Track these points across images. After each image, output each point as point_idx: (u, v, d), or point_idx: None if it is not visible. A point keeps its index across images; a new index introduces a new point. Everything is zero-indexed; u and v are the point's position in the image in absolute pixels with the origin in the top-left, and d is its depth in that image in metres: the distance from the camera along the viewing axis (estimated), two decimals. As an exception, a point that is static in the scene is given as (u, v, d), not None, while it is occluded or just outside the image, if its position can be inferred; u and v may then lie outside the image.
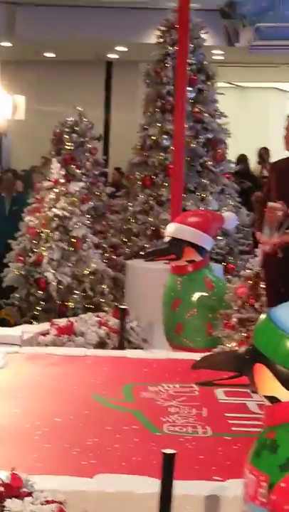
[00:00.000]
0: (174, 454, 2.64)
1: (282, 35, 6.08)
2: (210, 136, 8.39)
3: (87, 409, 3.94)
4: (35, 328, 5.78)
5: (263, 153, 12.34)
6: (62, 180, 6.91)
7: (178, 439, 3.56)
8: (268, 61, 13.40)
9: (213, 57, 11.62)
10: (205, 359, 2.61)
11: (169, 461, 2.64)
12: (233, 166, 8.90)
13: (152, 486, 2.83)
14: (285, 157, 5.51)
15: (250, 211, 9.21)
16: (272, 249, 4.74)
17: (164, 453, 2.65)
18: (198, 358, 2.64)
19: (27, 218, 6.86)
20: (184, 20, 6.94)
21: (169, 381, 4.44)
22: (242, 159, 11.33)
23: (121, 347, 5.23)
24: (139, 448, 3.43)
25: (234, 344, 4.82)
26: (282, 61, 13.60)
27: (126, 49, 12.61)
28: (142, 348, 5.41)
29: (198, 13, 8.60)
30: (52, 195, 6.84)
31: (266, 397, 2.42)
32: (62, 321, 5.51)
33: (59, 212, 6.70)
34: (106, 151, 13.28)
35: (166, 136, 8.22)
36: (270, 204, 4.72)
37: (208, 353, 2.97)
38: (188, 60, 7.42)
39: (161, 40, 8.50)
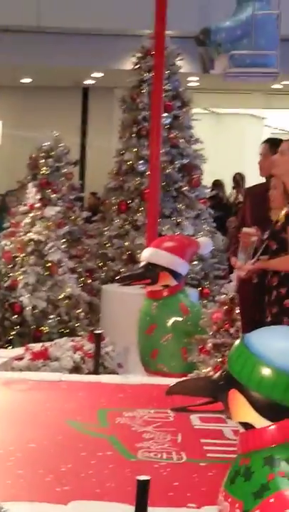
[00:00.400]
0: (148, 481, 2.63)
1: (256, 62, 6.14)
2: (185, 161, 8.45)
3: (61, 435, 3.91)
4: (10, 352, 5.75)
5: (238, 179, 12.43)
6: (37, 205, 6.92)
7: (152, 465, 3.54)
8: (243, 88, 13.54)
9: (189, 84, 11.74)
10: (179, 385, 2.61)
11: (143, 487, 2.63)
12: (208, 191, 8.95)
13: (126, 512, 2.82)
14: (260, 183, 5.57)
15: (225, 236, 9.26)
16: (247, 274, 4.76)
17: (138, 479, 2.64)
18: (173, 383, 2.64)
19: (2, 242, 6.85)
20: (159, 47, 7.00)
21: (144, 406, 4.43)
22: (217, 185, 11.41)
23: (96, 372, 5.21)
24: (113, 474, 3.41)
25: (209, 369, 4.82)
26: (257, 88, 13.75)
27: (102, 75, 12.68)
28: (117, 373, 5.39)
29: (174, 40, 8.69)
30: (27, 220, 6.84)
31: (240, 423, 2.42)
32: (37, 346, 5.49)
33: (34, 237, 6.70)
34: (82, 176, 13.29)
35: (141, 162, 8.27)
36: (245, 229, 4.76)
37: (182, 379, 2.97)
38: (164, 87, 7.48)
39: (137, 66, 8.57)
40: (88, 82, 13.54)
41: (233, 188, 12.29)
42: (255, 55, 6.07)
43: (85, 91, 14.26)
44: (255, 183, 5.69)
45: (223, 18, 6.40)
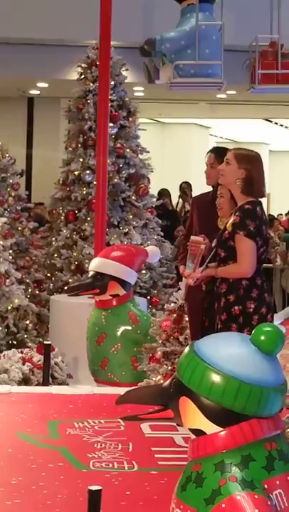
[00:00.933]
0: (99, 491, 2.63)
1: (200, 73, 6.19)
2: (132, 171, 8.46)
3: (11, 448, 3.88)
4: None
5: (185, 188, 12.51)
6: (-16, 216, 6.87)
7: (104, 475, 3.53)
8: (188, 98, 13.64)
9: (135, 94, 11.78)
10: (129, 394, 2.61)
11: (94, 497, 2.62)
12: (155, 200, 8.99)
13: (79, 523, 2.80)
14: (207, 192, 5.61)
15: (173, 245, 9.31)
16: (196, 282, 4.79)
17: (90, 490, 2.63)
18: (123, 393, 2.64)
19: None
20: (104, 57, 7.02)
21: (95, 417, 4.42)
22: (163, 194, 11.46)
23: (45, 383, 5.18)
24: (64, 485, 3.39)
25: (159, 377, 4.83)
26: (202, 98, 13.88)
27: (47, 85, 12.65)
28: (66, 384, 5.37)
29: (119, 50, 8.72)
30: (-26, 231, 6.78)
31: (191, 430, 2.43)
32: (-15, 358, 5.43)
33: (-19, 248, 6.65)
34: (28, 187, 13.23)
35: (88, 172, 8.26)
36: (193, 238, 4.79)
37: (132, 388, 2.97)
38: (110, 97, 7.49)
39: (83, 76, 8.57)
40: (33, 92, 13.49)
41: (180, 196, 12.37)
42: (200, 65, 6.12)
43: (31, 101, 14.21)
44: (201, 192, 5.73)
45: (167, 28, 6.44)
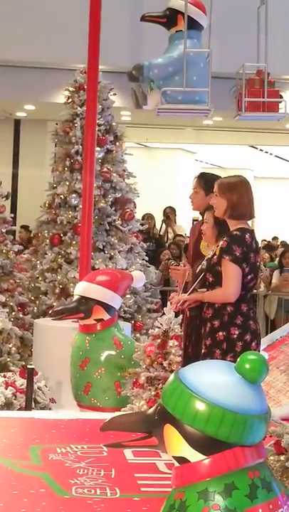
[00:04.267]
0: (82, 518, 2.61)
1: (187, 99, 6.24)
2: (118, 195, 8.49)
3: (-7, 473, 3.84)
4: None
5: (169, 213, 12.57)
6: None
7: (86, 501, 3.50)
8: (175, 123, 13.74)
9: (122, 118, 11.85)
10: (113, 421, 2.60)
11: (77, 525, 2.60)
12: (140, 225, 9.02)
13: None
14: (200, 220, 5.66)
15: (158, 269, 9.32)
16: (182, 305, 4.82)
17: (73, 517, 2.61)
18: (107, 418, 2.63)
19: None
20: (92, 81, 7.06)
21: (78, 442, 4.39)
22: (147, 218, 11.51)
23: (28, 408, 5.15)
24: (46, 512, 3.36)
25: (143, 403, 4.81)
26: (188, 124, 13.98)
27: (34, 108, 12.70)
28: (49, 409, 5.33)
29: (107, 74, 8.78)
30: None
31: (175, 457, 2.42)
32: None
33: None
34: (14, 209, 13.23)
35: (74, 195, 8.28)
36: (174, 267, 4.89)
37: (116, 414, 2.96)
38: (97, 121, 7.53)
39: (70, 100, 8.62)
40: (20, 114, 13.54)
41: (163, 221, 12.41)
42: (187, 92, 6.17)
43: (17, 123, 14.25)
44: (186, 217, 5.79)
45: (155, 54, 6.50)
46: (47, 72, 11.12)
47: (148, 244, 9.61)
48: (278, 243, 15.48)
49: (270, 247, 14.14)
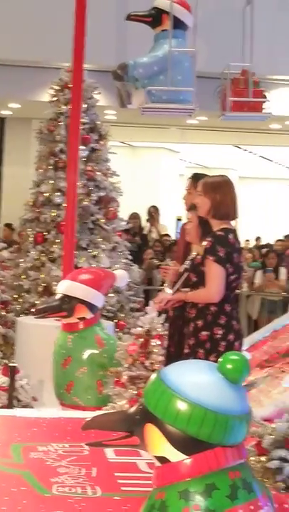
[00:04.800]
0: (63, 517, 2.61)
1: (172, 98, 6.24)
2: (102, 194, 8.48)
3: (-27, 472, 3.83)
4: None
5: (152, 212, 12.58)
6: None
7: (67, 500, 3.50)
8: (159, 122, 13.74)
9: (106, 117, 11.83)
10: (95, 420, 2.60)
11: (58, 524, 2.60)
12: (124, 224, 9.01)
13: None
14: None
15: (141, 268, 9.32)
16: (166, 305, 4.83)
17: (53, 516, 2.61)
18: (89, 417, 2.62)
19: None
20: (77, 80, 7.04)
21: (59, 440, 4.38)
22: (134, 217, 11.52)
23: (10, 406, 5.14)
24: (27, 510, 3.35)
25: (124, 402, 4.82)
26: (173, 123, 13.98)
27: (19, 106, 12.66)
28: (31, 407, 5.32)
29: (91, 73, 8.77)
30: None
31: (156, 457, 2.43)
32: None
33: None
34: (-3, 207, 13.20)
35: (58, 194, 8.26)
36: (165, 266, 4.91)
37: (98, 413, 2.96)
38: (82, 119, 7.52)
39: (55, 98, 8.60)
40: (5, 112, 13.49)
41: (147, 220, 12.42)
42: (172, 91, 6.17)
43: (2, 121, 14.21)
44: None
45: (140, 53, 6.49)
46: (32, 70, 11.09)
47: (135, 244, 9.60)
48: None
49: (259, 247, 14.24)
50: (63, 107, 8.40)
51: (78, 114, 7.07)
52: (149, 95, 6.23)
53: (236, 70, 6.68)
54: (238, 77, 6.63)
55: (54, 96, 8.61)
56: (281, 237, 13.72)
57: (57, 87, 8.60)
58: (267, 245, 13.95)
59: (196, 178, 5.60)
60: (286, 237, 14.13)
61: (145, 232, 12.35)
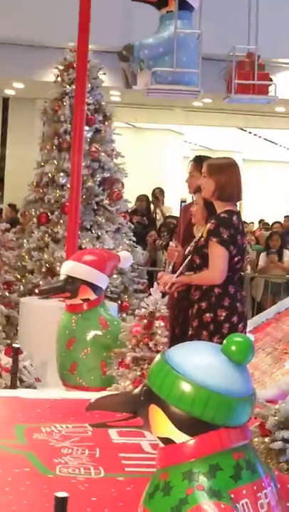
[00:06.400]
0: (66, 498, 2.61)
1: (177, 80, 6.21)
2: (106, 175, 8.46)
3: (-23, 452, 3.85)
4: None
5: (158, 194, 12.55)
6: None
7: (70, 480, 3.51)
8: (164, 104, 13.69)
9: (111, 98, 11.79)
10: (99, 401, 2.60)
11: (61, 504, 2.60)
12: (129, 205, 8.99)
13: (44, 529, 2.79)
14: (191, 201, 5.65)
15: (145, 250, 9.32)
16: (170, 288, 4.83)
17: (56, 496, 2.62)
18: (92, 398, 2.63)
19: None
20: (82, 60, 7.00)
21: (62, 421, 4.39)
22: (141, 199, 11.52)
23: (13, 386, 5.15)
24: (30, 491, 3.37)
25: (128, 383, 4.83)
26: (178, 105, 13.93)
27: (23, 86, 12.61)
28: (35, 388, 5.34)
29: (96, 54, 8.72)
30: None
31: (160, 438, 2.43)
32: None
33: None
34: (1, 188, 13.18)
35: (62, 174, 8.24)
36: (170, 244, 4.91)
37: (102, 394, 2.96)
38: (86, 100, 7.48)
39: (59, 78, 8.55)
40: (9, 92, 13.44)
41: (152, 202, 12.40)
42: (177, 72, 6.14)
43: (5, 101, 14.16)
44: (175, 198, 5.78)
45: (146, 34, 6.46)
46: (36, 49, 11.04)
47: (142, 225, 9.58)
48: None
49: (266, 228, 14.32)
50: (68, 87, 8.35)
51: (83, 94, 7.03)
52: (155, 76, 6.20)
53: (242, 52, 6.64)
54: (244, 60, 6.60)
55: (58, 76, 8.57)
56: (280, 220, 13.89)
57: (61, 67, 8.56)
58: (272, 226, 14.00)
59: (198, 160, 5.58)
60: (286, 217, 14.24)
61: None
